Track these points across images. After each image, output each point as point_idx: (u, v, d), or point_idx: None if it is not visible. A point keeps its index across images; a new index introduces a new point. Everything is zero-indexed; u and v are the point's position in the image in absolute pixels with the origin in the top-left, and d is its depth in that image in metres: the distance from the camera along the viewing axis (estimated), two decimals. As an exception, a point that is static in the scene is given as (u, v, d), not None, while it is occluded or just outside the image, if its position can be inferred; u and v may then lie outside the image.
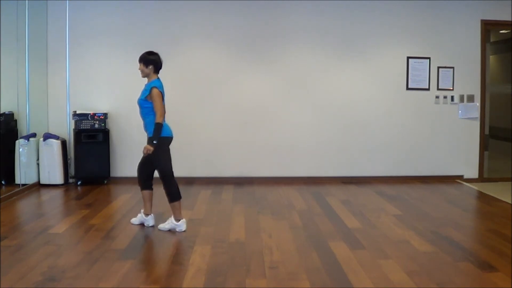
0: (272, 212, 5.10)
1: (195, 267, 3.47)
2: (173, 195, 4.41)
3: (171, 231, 4.40)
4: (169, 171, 4.44)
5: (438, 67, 6.91)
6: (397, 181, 6.87)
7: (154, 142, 4.23)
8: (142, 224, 4.59)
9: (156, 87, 4.30)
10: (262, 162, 6.84)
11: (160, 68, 4.47)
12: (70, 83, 6.61)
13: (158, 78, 4.44)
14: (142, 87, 4.58)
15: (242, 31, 6.71)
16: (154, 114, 4.28)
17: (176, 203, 4.41)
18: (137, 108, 4.47)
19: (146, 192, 4.56)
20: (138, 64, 4.41)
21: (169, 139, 4.43)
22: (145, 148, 4.28)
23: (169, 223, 4.45)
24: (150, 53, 4.44)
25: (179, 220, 4.43)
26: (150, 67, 4.38)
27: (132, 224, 4.62)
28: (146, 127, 4.42)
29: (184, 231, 4.38)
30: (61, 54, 6.56)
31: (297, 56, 6.78)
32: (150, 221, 4.57)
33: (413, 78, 6.90)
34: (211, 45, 6.71)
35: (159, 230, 4.44)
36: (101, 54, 6.62)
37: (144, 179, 4.54)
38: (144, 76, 4.44)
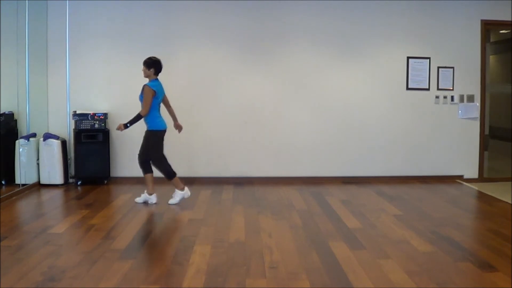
0: (272, 212, 5.10)
1: (195, 267, 3.47)
2: (169, 174, 5.32)
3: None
4: (159, 157, 5.27)
5: (438, 67, 6.91)
6: (397, 181, 6.87)
7: (128, 125, 5.08)
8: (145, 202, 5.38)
9: (147, 85, 5.11)
10: (262, 162, 6.84)
11: (160, 71, 5.24)
12: (70, 83, 6.61)
13: (156, 79, 5.22)
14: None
15: (242, 31, 6.71)
16: (150, 108, 5.10)
17: (173, 180, 5.35)
18: (137, 108, 5.02)
19: (148, 175, 5.33)
20: (142, 66, 5.18)
21: (162, 132, 5.27)
22: (119, 126, 5.14)
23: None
24: (152, 58, 5.21)
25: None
26: (151, 69, 5.17)
27: (136, 202, 5.40)
28: (144, 119, 5.18)
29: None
30: (61, 54, 6.56)
31: (297, 56, 6.78)
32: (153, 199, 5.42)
33: (413, 78, 6.90)
34: (211, 45, 6.71)
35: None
36: (101, 54, 6.62)
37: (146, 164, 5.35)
38: (145, 77, 5.22)
